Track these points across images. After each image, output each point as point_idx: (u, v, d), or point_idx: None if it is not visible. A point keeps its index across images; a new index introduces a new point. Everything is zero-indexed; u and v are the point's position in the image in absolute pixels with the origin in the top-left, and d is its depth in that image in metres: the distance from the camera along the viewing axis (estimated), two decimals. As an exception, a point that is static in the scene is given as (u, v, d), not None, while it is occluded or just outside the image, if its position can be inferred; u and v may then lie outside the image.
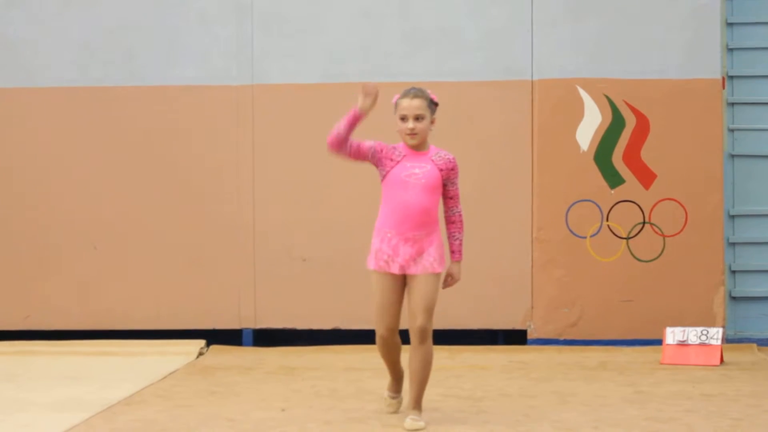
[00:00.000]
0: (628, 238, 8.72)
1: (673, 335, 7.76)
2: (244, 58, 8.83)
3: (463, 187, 8.75)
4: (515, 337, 8.81)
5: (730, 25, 9.10)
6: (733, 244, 9.11)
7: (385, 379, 7.09)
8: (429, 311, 5.55)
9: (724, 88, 8.88)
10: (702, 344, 7.67)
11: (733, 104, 9.11)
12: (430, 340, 5.58)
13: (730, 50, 9.11)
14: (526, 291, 8.75)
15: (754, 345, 8.44)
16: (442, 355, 8.07)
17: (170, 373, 7.38)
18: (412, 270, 5.68)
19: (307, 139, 8.79)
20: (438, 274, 5.68)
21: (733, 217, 9.13)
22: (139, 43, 8.86)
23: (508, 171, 8.76)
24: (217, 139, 8.84)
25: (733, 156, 9.13)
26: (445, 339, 8.69)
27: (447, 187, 5.74)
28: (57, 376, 7.34)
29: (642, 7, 8.74)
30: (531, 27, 8.75)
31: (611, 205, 8.72)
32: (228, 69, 8.83)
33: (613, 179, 8.72)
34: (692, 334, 7.72)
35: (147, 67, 8.86)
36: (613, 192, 8.73)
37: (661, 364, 7.68)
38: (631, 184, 8.71)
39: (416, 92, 5.64)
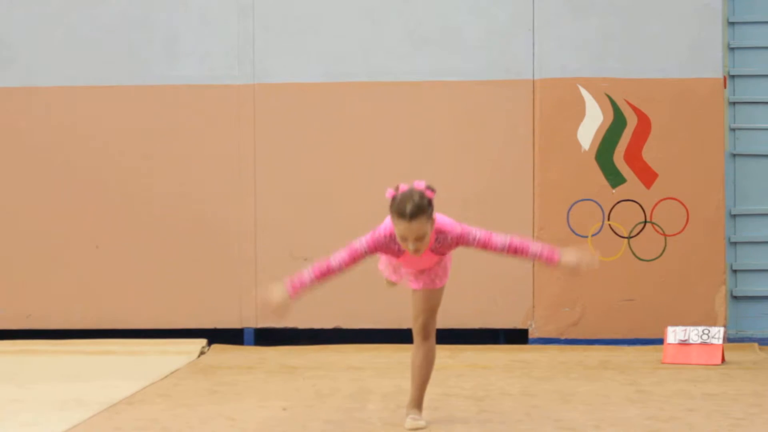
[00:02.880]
0: (629, 238, 8.72)
1: (674, 334, 7.76)
2: (246, 57, 8.83)
3: (465, 186, 8.81)
4: (516, 337, 8.81)
5: (731, 24, 9.10)
6: (734, 244, 9.11)
7: (386, 378, 7.10)
8: (432, 310, 5.52)
9: (725, 87, 8.88)
10: (703, 343, 7.67)
11: (734, 103, 9.10)
12: (432, 339, 5.54)
13: (732, 49, 9.11)
14: (527, 290, 8.75)
15: (756, 344, 8.44)
16: (444, 354, 8.07)
17: (172, 372, 7.38)
18: (418, 287, 5.47)
19: (309, 138, 8.80)
20: (443, 287, 5.51)
21: (734, 216, 9.13)
22: (141, 42, 8.86)
23: (510, 170, 8.76)
24: (219, 138, 8.85)
25: (734, 155, 9.12)
26: (447, 338, 8.68)
27: (471, 246, 5.28)
28: (58, 375, 7.35)
29: (643, 6, 8.74)
30: (532, 26, 8.75)
31: (612, 205, 8.72)
32: (229, 68, 8.83)
33: (615, 178, 8.72)
34: (693, 334, 7.72)
35: (148, 66, 8.86)
36: (614, 191, 8.73)
37: (663, 363, 7.68)
38: (633, 184, 8.71)
39: (413, 211, 4.91)
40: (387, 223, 5.02)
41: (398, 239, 4.95)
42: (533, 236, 8.72)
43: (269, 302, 4.97)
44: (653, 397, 6.37)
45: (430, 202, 4.98)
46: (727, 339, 8.53)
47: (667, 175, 8.70)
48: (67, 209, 8.87)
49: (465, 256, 8.74)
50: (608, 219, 8.73)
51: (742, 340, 8.80)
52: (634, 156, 8.72)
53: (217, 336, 8.78)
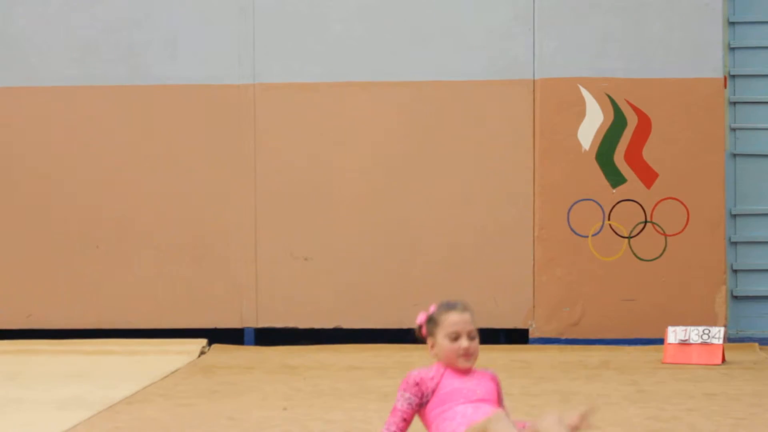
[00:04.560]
0: (629, 237, 8.72)
1: (674, 334, 7.76)
2: (246, 57, 8.83)
3: (466, 186, 8.82)
4: (517, 337, 8.81)
5: (731, 24, 9.10)
6: (734, 243, 9.11)
7: (386, 378, 7.10)
8: None
9: (725, 87, 8.88)
10: (704, 343, 7.66)
11: (734, 103, 9.10)
12: None
13: (732, 49, 9.11)
14: (527, 290, 8.74)
15: (756, 344, 8.44)
16: (444, 354, 8.07)
17: (172, 372, 7.38)
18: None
19: (309, 137, 8.80)
20: None
21: (734, 216, 9.12)
22: (141, 42, 8.86)
23: (510, 170, 8.76)
24: (219, 138, 8.84)
25: (734, 155, 9.12)
26: (447, 338, 8.68)
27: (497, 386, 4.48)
28: (59, 374, 7.34)
29: (644, 6, 8.73)
30: (533, 26, 8.75)
31: (613, 205, 8.71)
32: (230, 68, 8.83)
33: (615, 178, 8.72)
34: (694, 334, 7.71)
35: (149, 66, 8.86)
36: (614, 191, 8.73)
37: (663, 363, 7.68)
38: (633, 184, 8.71)
39: (464, 305, 4.44)
40: (420, 370, 4.40)
41: (447, 344, 4.31)
42: (533, 236, 8.72)
43: None
44: (654, 396, 6.37)
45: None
46: (728, 339, 8.53)
47: (667, 174, 8.70)
48: (68, 208, 8.86)
49: (466, 256, 8.78)
50: (608, 219, 8.73)
51: (742, 339, 8.80)
52: (634, 156, 8.72)
53: (217, 336, 8.78)
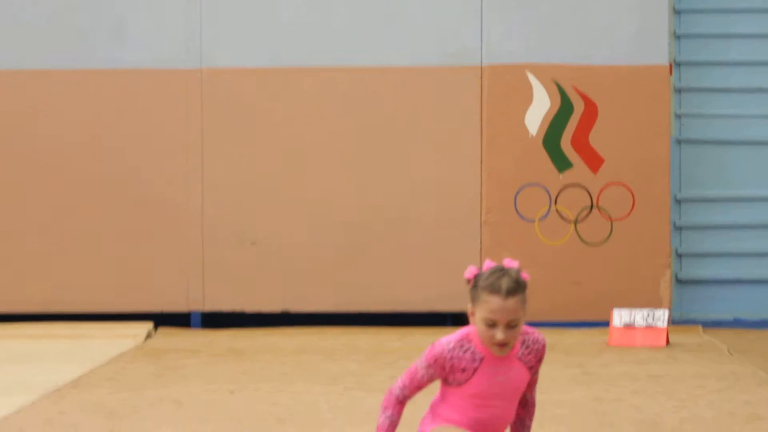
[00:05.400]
0: (576, 222, 8.78)
1: (620, 317, 7.82)
2: (194, 41, 8.77)
3: (413, 171, 8.83)
4: (463, 320, 8.82)
5: (677, 12, 9.17)
6: (679, 228, 9.20)
7: (333, 360, 7.11)
8: None
9: (671, 74, 8.95)
10: (648, 326, 7.74)
11: (680, 90, 9.18)
12: None
13: (678, 37, 9.18)
14: (474, 274, 8.76)
15: (699, 327, 8.53)
16: (392, 337, 8.09)
17: (118, 356, 7.33)
18: None
19: (256, 123, 8.77)
20: None
21: (679, 201, 9.21)
22: (87, 26, 8.77)
23: (458, 156, 8.78)
24: (167, 122, 8.79)
25: (680, 141, 9.20)
26: (395, 321, 8.71)
27: (537, 370, 3.97)
28: (3, 359, 7.28)
29: (591, -7, 8.79)
30: (480, 12, 8.76)
31: (559, 189, 8.76)
32: (177, 53, 8.77)
33: (562, 163, 8.77)
34: (639, 317, 7.78)
35: (94, 51, 8.77)
36: (561, 176, 8.78)
37: (609, 345, 7.74)
38: (579, 169, 8.76)
39: (512, 286, 3.78)
40: (451, 336, 3.92)
41: (482, 327, 3.79)
42: (480, 220, 8.74)
43: None
44: (599, 378, 6.43)
45: (526, 285, 3.84)
46: (672, 322, 8.60)
47: (613, 160, 8.76)
48: (12, 191, 8.77)
49: (414, 240, 8.79)
50: (555, 203, 8.78)
51: (686, 322, 8.89)
52: (580, 141, 8.77)
53: (163, 319, 8.74)
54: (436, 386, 3.82)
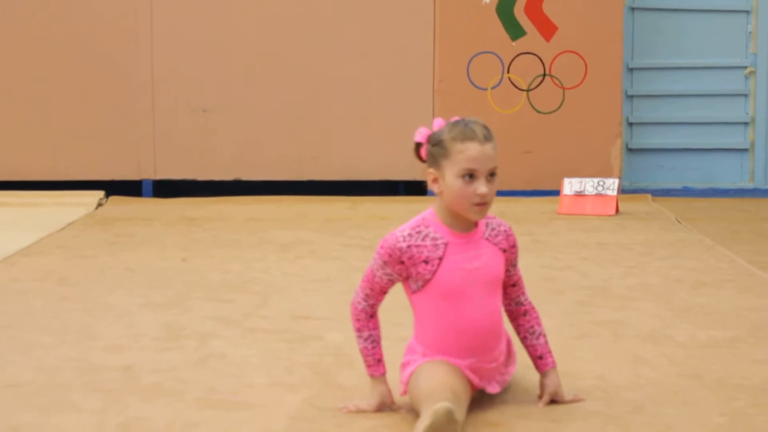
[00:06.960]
0: (528, 90, 8.77)
1: (570, 186, 7.88)
2: None
3: (365, 38, 8.75)
4: (415, 188, 8.87)
5: None
6: (631, 97, 9.23)
7: (286, 229, 7.13)
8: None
9: (626, -60, 8.86)
10: (598, 194, 7.80)
11: (634, -43, 9.11)
12: None
13: None
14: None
15: (649, 195, 8.62)
16: (344, 206, 8.12)
17: (69, 224, 7.31)
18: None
19: (206, -13, 8.62)
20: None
21: (631, 69, 9.22)
22: None
23: (410, 22, 8.70)
24: (114, -14, 8.62)
25: (633, 9, 9.17)
26: (347, 190, 8.72)
27: (508, 271, 3.54)
28: (-48, 227, 7.24)
29: None
30: None
31: (512, 57, 8.73)
32: None
33: (515, 31, 8.72)
34: (589, 185, 7.84)
35: None
36: (514, 44, 8.73)
37: (559, 213, 7.81)
38: (533, 36, 8.72)
39: (486, 131, 3.38)
40: (403, 225, 3.45)
41: (458, 185, 3.33)
42: (433, 89, 8.71)
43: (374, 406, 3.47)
44: (549, 246, 6.50)
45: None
46: (622, 190, 8.68)
47: (566, 28, 8.72)
48: (-43, 58, 8.62)
49: (367, 109, 8.76)
50: (507, 72, 8.75)
51: (636, 191, 8.98)
52: (534, 9, 8.71)
53: (114, 188, 8.70)
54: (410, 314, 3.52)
